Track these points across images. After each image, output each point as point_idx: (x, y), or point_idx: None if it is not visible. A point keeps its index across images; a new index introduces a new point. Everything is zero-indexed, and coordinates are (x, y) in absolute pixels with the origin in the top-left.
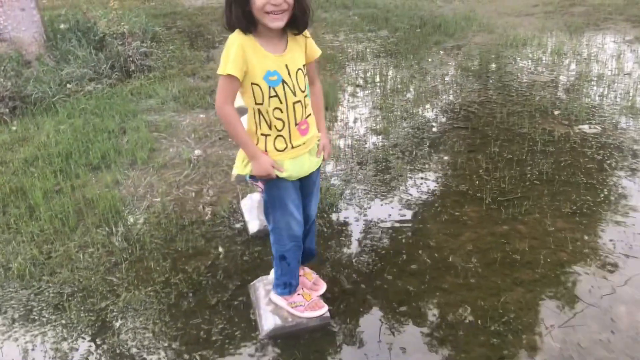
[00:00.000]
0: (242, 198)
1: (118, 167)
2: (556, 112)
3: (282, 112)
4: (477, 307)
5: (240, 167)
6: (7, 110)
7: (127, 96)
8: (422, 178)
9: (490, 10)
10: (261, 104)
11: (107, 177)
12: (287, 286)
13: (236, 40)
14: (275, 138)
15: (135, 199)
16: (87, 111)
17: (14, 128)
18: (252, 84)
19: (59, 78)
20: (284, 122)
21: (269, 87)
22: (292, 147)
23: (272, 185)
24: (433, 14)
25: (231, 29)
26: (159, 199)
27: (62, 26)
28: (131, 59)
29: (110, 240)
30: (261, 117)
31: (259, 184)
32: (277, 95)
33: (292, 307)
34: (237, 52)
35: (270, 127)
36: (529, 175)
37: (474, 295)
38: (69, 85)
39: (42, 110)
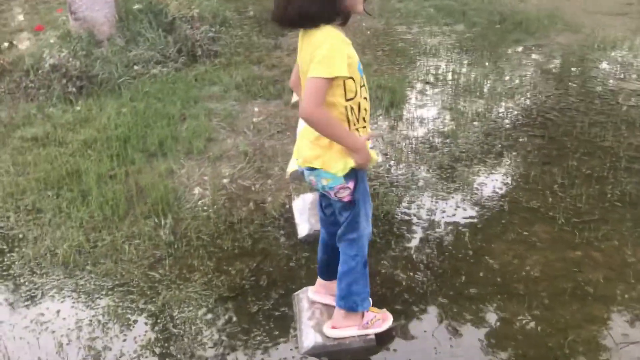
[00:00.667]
0: (295, 198)
1: (174, 156)
2: None
3: (367, 100)
4: (541, 344)
5: (340, 168)
6: (74, 89)
7: (191, 82)
8: (489, 190)
9: (577, 7)
10: (352, 98)
11: (162, 165)
12: (368, 297)
13: (338, 36)
14: (364, 129)
15: (187, 190)
16: (150, 95)
17: (77, 108)
18: (348, 78)
19: (126, 59)
20: (367, 111)
21: (361, 77)
22: None
23: (361, 181)
24: (514, 9)
25: (319, 23)
26: (210, 193)
27: (135, 6)
28: (199, 43)
29: (157, 233)
30: (352, 112)
31: (350, 184)
32: (364, 85)
33: (370, 325)
34: (342, 49)
35: (359, 120)
36: (609, 196)
37: (538, 330)
38: (135, 67)
39: (107, 92)
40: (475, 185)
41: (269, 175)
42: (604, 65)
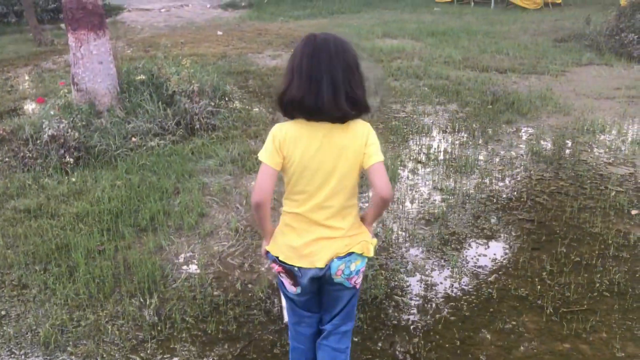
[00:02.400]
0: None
1: (164, 231)
2: (634, 212)
3: None
4: None
5: (373, 247)
6: (71, 160)
7: (187, 155)
8: (478, 276)
9: (568, 89)
10: None
11: (152, 241)
12: None
13: None
14: None
15: (175, 268)
16: (146, 168)
17: (73, 179)
18: None
19: (125, 130)
20: None
21: None
22: None
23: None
24: (507, 89)
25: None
26: (198, 271)
27: (138, 77)
28: (197, 117)
29: (142, 314)
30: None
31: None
32: None
33: None
34: None
35: None
36: (597, 285)
37: None
38: (133, 139)
39: (103, 163)
40: (464, 270)
41: (259, 254)
42: (594, 149)
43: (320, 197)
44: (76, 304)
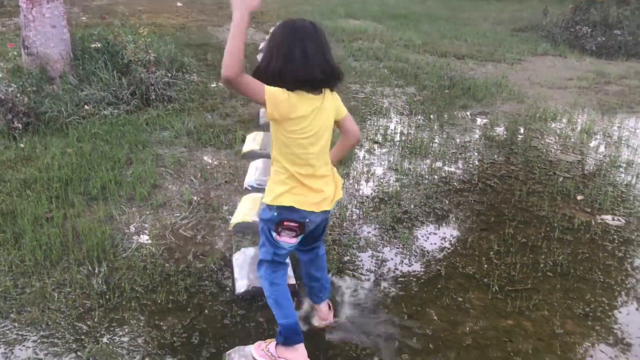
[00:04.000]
0: (235, 251)
1: (115, 201)
2: (579, 197)
3: None
4: None
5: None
6: (19, 125)
7: (142, 125)
8: (427, 253)
9: (522, 78)
10: None
11: (102, 210)
12: None
13: None
14: None
15: (125, 237)
16: (98, 137)
17: (21, 145)
18: None
19: (77, 98)
20: None
21: None
22: None
23: None
24: (464, 75)
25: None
26: (149, 242)
27: (93, 45)
28: (153, 87)
29: (90, 282)
30: None
31: None
32: None
33: None
34: None
35: None
36: (542, 265)
37: None
38: (86, 107)
39: (53, 130)
40: (414, 248)
41: (212, 226)
42: (545, 136)
43: (317, 153)
44: (21, 271)
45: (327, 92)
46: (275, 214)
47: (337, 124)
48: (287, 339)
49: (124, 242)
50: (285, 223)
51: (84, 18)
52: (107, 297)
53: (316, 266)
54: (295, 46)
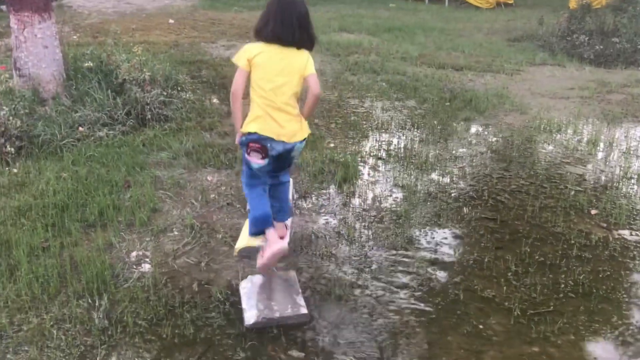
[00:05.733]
0: (242, 279)
1: (114, 227)
2: (593, 212)
3: None
4: None
5: (309, 132)
6: (12, 149)
7: (138, 147)
8: (444, 276)
9: (523, 88)
10: None
11: (101, 238)
12: None
13: None
14: None
15: (126, 267)
16: (94, 159)
17: (15, 170)
18: None
19: (71, 120)
20: None
21: None
22: None
23: None
24: (464, 87)
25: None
26: (151, 271)
27: (86, 64)
28: (149, 107)
29: (91, 316)
30: None
31: None
32: None
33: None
34: None
35: None
36: (562, 286)
37: None
38: (80, 129)
39: (47, 154)
40: (429, 270)
41: (216, 252)
42: (551, 148)
43: (280, 88)
44: (17, 307)
45: (300, 51)
46: (244, 138)
47: (304, 80)
48: (256, 227)
49: (125, 272)
50: (251, 144)
51: (75, 37)
52: (110, 333)
53: (279, 191)
54: (277, 12)
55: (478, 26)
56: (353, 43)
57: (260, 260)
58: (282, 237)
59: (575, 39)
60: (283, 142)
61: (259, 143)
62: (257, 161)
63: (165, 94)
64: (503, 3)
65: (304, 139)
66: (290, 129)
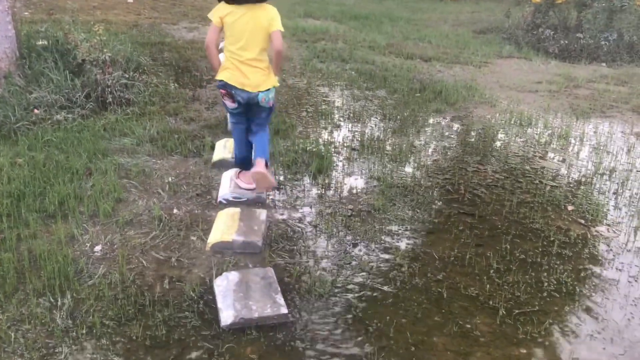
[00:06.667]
0: (217, 276)
1: (76, 218)
2: (570, 208)
3: None
4: None
5: (276, 83)
6: None
7: (100, 131)
8: (426, 273)
9: (491, 81)
10: None
11: (62, 230)
12: None
13: None
14: None
15: (90, 262)
16: (52, 144)
17: None
18: None
19: (26, 101)
20: None
21: None
22: None
23: None
24: (433, 78)
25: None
26: (117, 266)
27: (39, 42)
28: (109, 89)
29: (52, 316)
30: None
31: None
32: None
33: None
34: None
35: None
36: (546, 284)
37: None
38: (36, 111)
39: (0, 137)
40: (412, 266)
41: (187, 246)
42: (524, 141)
43: (246, 45)
44: None
45: (261, 7)
46: (218, 84)
47: (269, 35)
48: (240, 165)
49: (89, 267)
50: (222, 90)
51: (26, 13)
52: (74, 334)
53: (256, 139)
54: None
55: (443, 17)
56: (319, 29)
57: (246, 180)
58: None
59: (541, 33)
60: (247, 91)
61: (225, 89)
62: (229, 104)
63: (127, 76)
64: None
65: (268, 89)
66: (254, 80)
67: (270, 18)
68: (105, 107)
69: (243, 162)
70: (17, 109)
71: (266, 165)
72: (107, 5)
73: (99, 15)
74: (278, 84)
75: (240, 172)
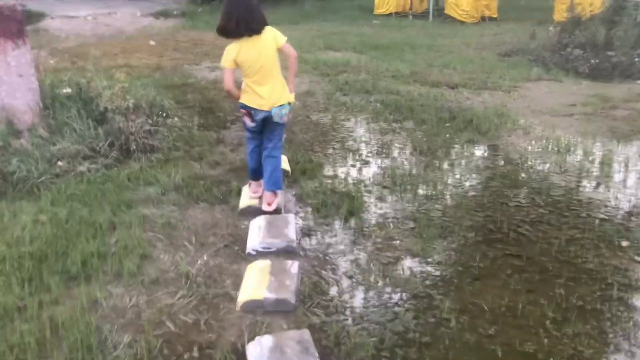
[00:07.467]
0: (249, 340)
1: (99, 280)
2: (624, 244)
3: None
4: None
5: (292, 99)
6: None
7: (124, 182)
8: (476, 328)
9: (522, 106)
10: None
11: (85, 294)
12: None
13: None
14: None
15: (114, 329)
16: (75, 198)
17: None
18: None
19: (49, 153)
20: None
21: None
22: None
23: None
24: (461, 106)
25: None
26: (143, 334)
27: (63, 91)
28: (133, 137)
29: None
30: None
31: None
32: None
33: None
34: None
35: None
36: (611, 336)
37: None
38: (59, 163)
39: (23, 194)
40: (460, 320)
41: (216, 306)
42: (565, 171)
43: (260, 80)
44: None
45: (265, 31)
46: (239, 106)
47: (280, 50)
48: (252, 176)
49: (114, 336)
50: (242, 110)
51: (52, 62)
52: None
53: (267, 163)
54: (228, 8)
55: (466, 41)
56: (341, 62)
57: (253, 190)
58: (269, 204)
59: (569, 53)
60: (263, 110)
61: (245, 109)
62: (248, 123)
63: (150, 122)
64: (487, 17)
65: (282, 105)
66: (270, 99)
67: (272, 37)
68: (129, 155)
69: (254, 173)
70: (40, 162)
71: (275, 193)
72: (129, 49)
73: (122, 60)
74: (293, 100)
75: (250, 183)
